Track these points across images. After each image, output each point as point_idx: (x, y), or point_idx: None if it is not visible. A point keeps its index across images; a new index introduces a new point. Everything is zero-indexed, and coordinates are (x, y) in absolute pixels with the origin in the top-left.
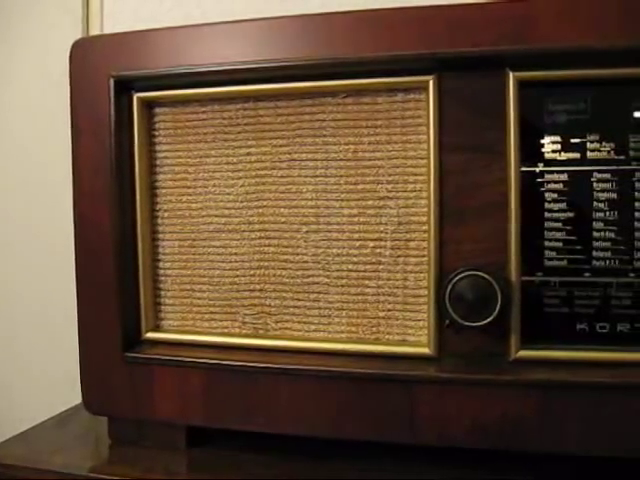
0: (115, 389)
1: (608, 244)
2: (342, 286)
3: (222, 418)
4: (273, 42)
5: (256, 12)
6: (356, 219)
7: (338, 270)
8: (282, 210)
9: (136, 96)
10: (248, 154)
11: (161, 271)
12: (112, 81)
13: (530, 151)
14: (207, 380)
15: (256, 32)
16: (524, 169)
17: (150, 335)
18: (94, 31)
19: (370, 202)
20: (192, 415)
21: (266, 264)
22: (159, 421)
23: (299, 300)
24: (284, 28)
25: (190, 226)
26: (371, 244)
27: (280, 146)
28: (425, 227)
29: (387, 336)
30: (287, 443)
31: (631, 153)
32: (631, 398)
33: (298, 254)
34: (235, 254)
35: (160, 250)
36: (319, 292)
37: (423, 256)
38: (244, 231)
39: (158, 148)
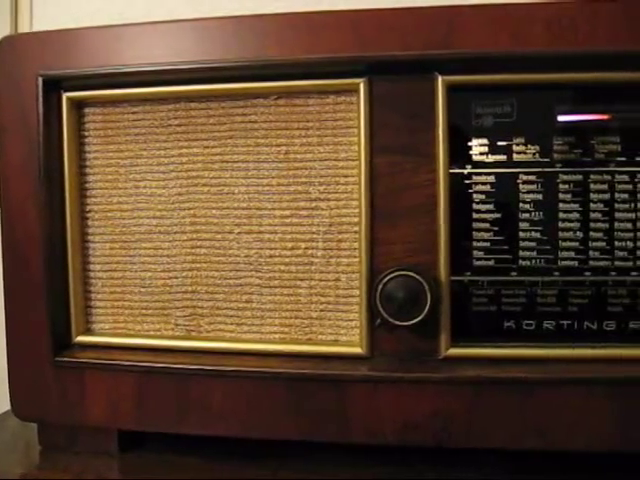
0: (45, 394)
1: (533, 244)
2: (275, 287)
3: (155, 421)
4: (205, 43)
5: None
6: (288, 220)
7: (270, 271)
8: (214, 211)
9: (65, 96)
10: (180, 155)
11: (91, 273)
12: (40, 80)
13: (458, 153)
14: (139, 383)
15: (188, 32)
16: (453, 171)
17: (81, 339)
18: (23, 29)
19: (302, 203)
20: (124, 419)
21: (198, 266)
22: (90, 426)
23: (232, 301)
24: (216, 29)
25: (121, 228)
26: (303, 245)
27: (212, 147)
28: (356, 228)
29: (320, 336)
30: (222, 445)
31: (555, 156)
32: (557, 393)
33: (230, 255)
34: (167, 256)
35: (90, 252)
36: (252, 293)
37: (354, 257)
38: (176, 232)
39: (88, 149)
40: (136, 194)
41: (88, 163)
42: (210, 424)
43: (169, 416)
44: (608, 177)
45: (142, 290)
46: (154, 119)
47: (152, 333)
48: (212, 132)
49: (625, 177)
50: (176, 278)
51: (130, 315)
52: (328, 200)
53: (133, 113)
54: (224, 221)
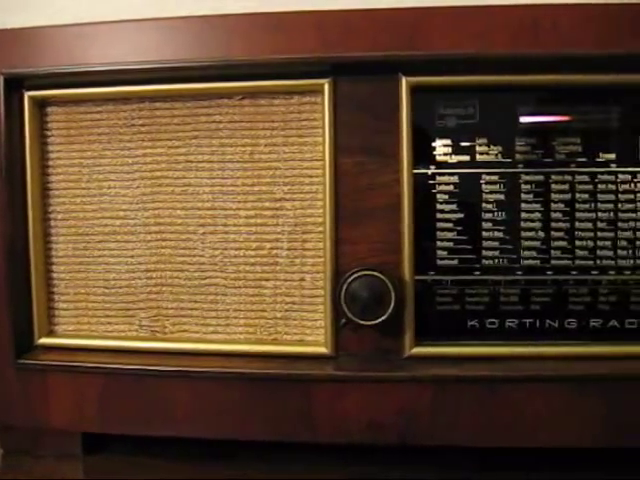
0: (7, 397)
1: (496, 243)
2: (239, 287)
3: (119, 424)
4: (169, 42)
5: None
6: (253, 220)
7: (235, 271)
8: (178, 212)
9: (27, 95)
10: (144, 155)
11: (54, 274)
12: (2, 79)
13: (422, 154)
14: (103, 385)
15: (153, 32)
16: (416, 171)
17: (44, 340)
18: None
19: (267, 204)
20: (88, 422)
21: (163, 266)
22: (54, 429)
23: (196, 302)
24: (181, 28)
25: (84, 228)
26: (268, 245)
27: (176, 147)
28: (321, 228)
29: (285, 336)
30: (188, 446)
31: (517, 156)
32: (520, 390)
33: (195, 256)
34: (131, 256)
35: (53, 253)
36: (217, 294)
37: (319, 257)
38: (140, 233)
39: (51, 148)
40: (100, 194)
41: (51, 163)
42: (176, 425)
43: (134, 418)
44: (569, 177)
45: (106, 291)
46: (118, 119)
47: (116, 334)
48: (176, 132)
49: (585, 177)
50: (140, 279)
51: (94, 316)
52: (293, 200)
53: (96, 112)
54: (188, 221)
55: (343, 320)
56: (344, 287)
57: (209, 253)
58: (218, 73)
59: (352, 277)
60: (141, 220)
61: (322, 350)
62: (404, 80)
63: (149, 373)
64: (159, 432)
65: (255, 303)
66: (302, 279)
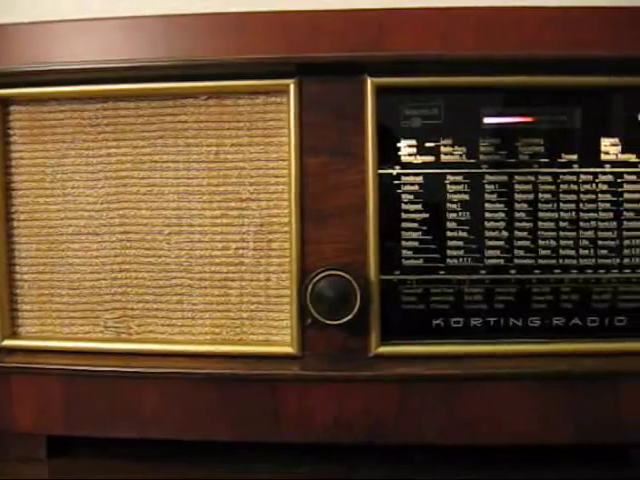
0: None
1: (461, 243)
2: (205, 288)
3: (84, 426)
4: (135, 41)
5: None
6: (219, 221)
7: (201, 272)
8: (144, 212)
9: None
10: (108, 155)
11: (17, 276)
12: None
13: (387, 154)
14: (68, 387)
15: (118, 31)
16: (382, 171)
17: (7, 343)
18: None
19: (232, 204)
20: (52, 424)
21: (128, 267)
22: (18, 432)
23: (162, 303)
24: (146, 27)
25: (48, 229)
26: (234, 245)
27: (141, 147)
28: (287, 228)
29: (251, 336)
30: (156, 448)
31: (481, 157)
32: (484, 388)
33: (160, 256)
34: (96, 257)
35: (16, 254)
36: (182, 294)
37: (285, 257)
38: (105, 233)
39: (13, 148)
40: (63, 194)
41: (13, 163)
42: (141, 427)
43: (99, 420)
44: (532, 178)
45: (70, 292)
46: (82, 118)
47: (81, 336)
48: (141, 132)
49: (548, 178)
50: (105, 280)
51: (58, 318)
52: (259, 200)
53: (60, 112)
54: (154, 222)
55: (309, 320)
56: (310, 287)
57: (175, 253)
58: (183, 73)
59: (318, 277)
60: (106, 220)
61: (288, 350)
62: (369, 81)
63: (114, 374)
64: (125, 434)
65: (221, 303)
66: (268, 279)
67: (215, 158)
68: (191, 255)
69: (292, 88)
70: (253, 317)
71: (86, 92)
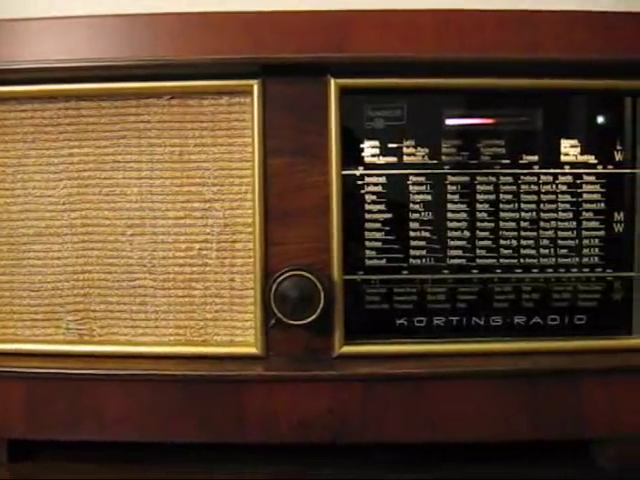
0: None
1: (423, 243)
2: (169, 289)
3: (46, 429)
4: (98, 40)
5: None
6: (182, 221)
7: (164, 273)
8: (106, 213)
9: None
10: (70, 155)
11: None
12: None
13: (351, 155)
14: (29, 390)
15: (81, 29)
16: (345, 172)
17: None
18: None
19: (196, 204)
20: (13, 427)
21: (90, 268)
22: None
23: (125, 304)
24: (110, 26)
25: (9, 230)
26: (197, 246)
27: (104, 147)
28: (250, 229)
29: (215, 337)
30: (119, 450)
31: (443, 158)
32: (447, 386)
33: (123, 257)
34: (57, 258)
35: None
36: (145, 295)
37: (249, 257)
38: (66, 234)
39: None
40: (24, 195)
41: None
42: (105, 429)
43: (62, 423)
44: (493, 179)
45: (32, 294)
46: (43, 118)
47: (43, 338)
48: (104, 132)
49: (509, 179)
50: (67, 281)
51: (19, 320)
52: (222, 201)
53: (21, 111)
54: (116, 222)
55: (273, 320)
56: (274, 287)
57: (137, 254)
58: (147, 72)
59: (282, 277)
60: (67, 221)
61: (252, 350)
62: (333, 82)
63: (77, 377)
64: (88, 436)
65: (185, 304)
66: (232, 280)
67: (178, 158)
68: (154, 256)
69: (256, 89)
70: (217, 318)
71: (47, 91)
